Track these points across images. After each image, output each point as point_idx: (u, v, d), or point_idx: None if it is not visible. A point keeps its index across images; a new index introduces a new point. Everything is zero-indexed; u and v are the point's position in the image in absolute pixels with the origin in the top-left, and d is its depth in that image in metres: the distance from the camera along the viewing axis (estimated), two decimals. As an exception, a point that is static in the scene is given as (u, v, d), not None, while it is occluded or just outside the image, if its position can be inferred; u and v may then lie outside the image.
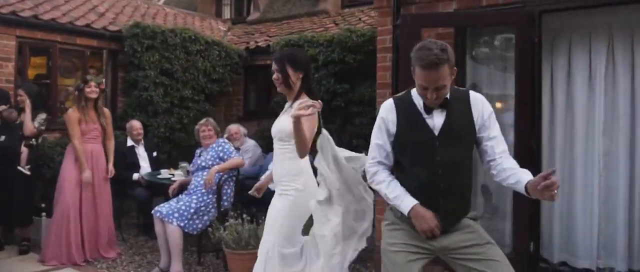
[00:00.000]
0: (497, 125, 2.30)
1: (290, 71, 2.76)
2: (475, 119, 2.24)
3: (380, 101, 4.46)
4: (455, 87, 2.33)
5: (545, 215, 3.87)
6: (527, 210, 3.64)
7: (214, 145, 4.64)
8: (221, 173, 4.44)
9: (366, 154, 2.44)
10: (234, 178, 4.63)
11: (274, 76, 2.80)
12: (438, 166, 2.20)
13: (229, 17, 10.66)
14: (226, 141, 4.77)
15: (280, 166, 2.83)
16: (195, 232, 4.37)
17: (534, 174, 2.08)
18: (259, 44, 7.38)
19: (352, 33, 5.86)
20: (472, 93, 2.33)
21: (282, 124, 2.78)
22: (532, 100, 3.59)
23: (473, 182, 2.66)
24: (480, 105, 2.27)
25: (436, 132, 2.22)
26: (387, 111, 2.32)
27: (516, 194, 3.56)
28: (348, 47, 5.81)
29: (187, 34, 6.54)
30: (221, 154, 4.56)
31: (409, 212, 2.20)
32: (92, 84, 4.55)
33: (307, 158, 2.76)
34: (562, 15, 3.75)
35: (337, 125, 6.06)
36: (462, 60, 4.09)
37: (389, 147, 2.30)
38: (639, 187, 3.65)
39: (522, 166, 2.19)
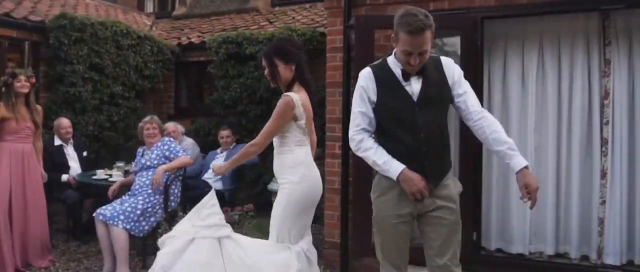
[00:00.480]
0: (466, 83, 2.48)
1: (280, 65, 2.75)
2: (449, 82, 2.41)
3: (330, 99, 4.56)
4: None
5: (485, 207, 4.17)
6: (472, 203, 3.92)
7: (159, 144, 4.48)
8: (168, 173, 4.30)
9: None
10: (180, 178, 4.51)
11: (266, 72, 2.79)
12: (420, 130, 2.34)
13: (152, 11, 10.25)
14: (172, 139, 4.63)
15: (277, 160, 2.83)
16: (141, 235, 4.20)
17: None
18: (192, 40, 7.20)
19: (293, 32, 5.91)
20: (442, 58, 2.50)
21: None
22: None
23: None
24: (451, 68, 2.46)
25: (415, 98, 2.36)
26: (366, 80, 2.41)
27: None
28: (289, 45, 5.85)
29: (119, 27, 6.22)
30: (167, 153, 4.42)
31: (398, 177, 2.31)
32: (22, 77, 4.20)
33: (306, 151, 2.78)
34: (499, 22, 4.07)
35: (277, 124, 6.08)
36: (409, 61, 4.30)
37: (371, 114, 2.40)
38: (564, 178, 4.06)
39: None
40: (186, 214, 4.14)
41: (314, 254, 2.84)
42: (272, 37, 6.00)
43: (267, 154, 5.76)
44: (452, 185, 2.48)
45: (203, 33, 7.56)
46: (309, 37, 5.92)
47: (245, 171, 5.54)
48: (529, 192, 2.27)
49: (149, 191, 4.25)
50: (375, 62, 2.56)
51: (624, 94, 3.84)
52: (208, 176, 5.23)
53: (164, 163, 4.38)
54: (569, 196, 4.05)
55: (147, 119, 4.58)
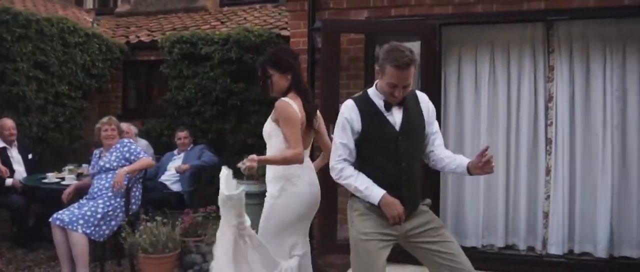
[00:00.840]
0: (436, 122, 2.64)
1: (275, 75, 2.71)
2: (424, 115, 2.56)
3: (293, 101, 4.63)
4: None
5: (442, 204, 4.41)
6: (431, 202, 4.13)
7: (118, 145, 4.36)
8: (130, 175, 4.21)
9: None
10: (140, 180, 4.41)
11: (262, 83, 2.76)
12: (401, 159, 2.46)
13: (92, 7, 9.83)
14: (131, 140, 4.52)
15: (266, 169, 2.79)
16: (101, 239, 4.08)
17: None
18: (141, 38, 7.01)
19: (249, 33, 5.91)
20: (418, 92, 2.64)
21: (266, 126, 2.75)
22: (436, 102, 4.08)
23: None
24: (426, 102, 2.60)
25: (397, 128, 2.47)
26: (350, 112, 2.50)
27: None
28: (245, 46, 5.85)
29: (66, 24, 5.95)
30: (127, 155, 4.31)
31: (379, 201, 2.42)
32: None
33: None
34: (455, 29, 4.32)
35: (231, 125, 6.07)
36: (371, 64, 4.47)
37: (352, 145, 2.49)
38: (513, 175, 4.36)
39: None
40: (148, 216, 4.11)
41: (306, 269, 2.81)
42: (228, 37, 5.98)
43: (226, 153, 5.78)
44: (427, 214, 2.59)
45: (152, 31, 7.38)
46: (266, 38, 5.95)
47: (202, 173, 5.49)
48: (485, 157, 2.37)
49: (110, 194, 4.13)
50: (356, 95, 2.63)
51: (565, 97, 4.19)
52: (165, 178, 5.14)
53: (124, 165, 4.27)
54: (517, 192, 4.36)
55: (105, 120, 4.44)
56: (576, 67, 4.18)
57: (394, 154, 2.46)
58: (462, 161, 2.47)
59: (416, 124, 2.53)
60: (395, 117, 2.49)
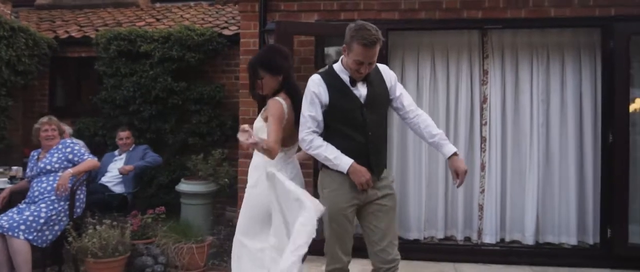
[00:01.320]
0: (400, 86, 2.83)
1: (266, 77, 2.74)
2: (388, 86, 2.75)
3: (244, 101, 4.69)
4: None
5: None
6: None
7: (60, 146, 4.17)
8: (75, 177, 4.04)
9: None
10: (84, 182, 4.24)
11: (252, 83, 2.78)
12: (367, 129, 2.64)
13: (7, -2, 9.12)
14: (74, 141, 4.33)
15: (253, 158, 2.86)
16: (44, 245, 3.88)
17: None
18: (72, 34, 6.66)
19: (192, 31, 5.83)
20: (380, 65, 2.80)
21: (257, 123, 2.80)
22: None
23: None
24: (388, 73, 2.80)
25: (362, 101, 2.65)
26: (317, 86, 2.63)
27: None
28: (188, 45, 5.77)
29: (-11, 16, 5.54)
30: (70, 156, 4.13)
31: (348, 169, 2.58)
32: None
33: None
34: (400, 34, 4.56)
35: (172, 124, 5.95)
36: (322, 65, 4.60)
37: (320, 117, 2.63)
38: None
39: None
40: (94, 219, 3.98)
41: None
42: (169, 35, 5.85)
43: (165, 153, 5.67)
44: (389, 176, 2.82)
45: (82, 27, 7.03)
46: (208, 37, 5.88)
47: (145, 173, 5.35)
48: (458, 175, 2.65)
49: (53, 198, 3.94)
50: (321, 70, 2.78)
51: (498, 99, 4.58)
52: (107, 180, 4.96)
53: (67, 167, 4.09)
54: (455, 187, 4.68)
55: (44, 119, 4.22)
56: (507, 72, 4.58)
57: (360, 125, 2.64)
58: (445, 149, 2.69)
59: (381, 96, 2.72)
60: (361, 91, 2.66)
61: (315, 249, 3.85)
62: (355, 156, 2.62)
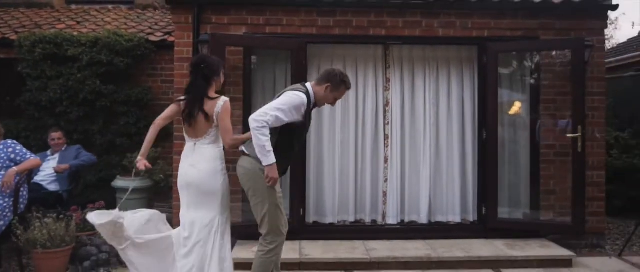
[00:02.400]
0: None
1: (219, 80, 3.42)
2: None
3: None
4: None
5: (307, 188, 5.34)
6: (300, 186, 5.05)
7: (1, 146, 4.40)
8: (19, 175, 4.29)
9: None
10: (26, 180, 4.48)
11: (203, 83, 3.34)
12: (301, 144, 3.37)
13: None
14: (15, 141, 4.54)
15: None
16: (-10, 240, 4.12)
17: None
18: (-11, 35, 6.63)
19: (120, 37, 6.12)
20: None
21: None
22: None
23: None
24: None
25: (310, 122, 3.44)
26: (305, 104, 3.27)
27: (293, 174, 4.95)
28: (116, 50, 6.06)
29: None
30: (12, 156, 4.38)
31: (269, 164, 3.16)
32: None
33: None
34: (317, 47, 5.29)
35: (100, 125, 6.21)
36: (249, 72, 5.22)
37: (283, 123, 3.20)
38: (361, 164, 5.49)
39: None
40: (33, 215, 4.26)
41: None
42: (97, 40, 6.09)
43: (102, 153, 5.94)
44: None
45: (-2, 28, 6.98)
46: (137, 43, 6.21)
47: (81, 172, 5.59)
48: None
49: (-3, 195, 4.18)
50: (303, 92, 3.33)
51: (398, 102, 5.46)
52: (41, 179, 5.14)
53: (9, 166, 4.33)
54: (364, 177, 5.51)
55: (-15, 122, 4.41)
56: (405, 80, 5.48)
57: (301, 141, 3.41)
58: None
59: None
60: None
61: (247, 233, 4.55)
62: (286, 161, 3.36)
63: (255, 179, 3.27)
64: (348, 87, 3.43)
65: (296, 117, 3.25)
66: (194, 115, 3.29)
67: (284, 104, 3.21)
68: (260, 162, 3.18)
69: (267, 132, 3.14)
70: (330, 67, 5.32)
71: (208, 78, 3.34)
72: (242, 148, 3.38)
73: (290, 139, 3.32)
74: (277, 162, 3.18)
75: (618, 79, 8.65)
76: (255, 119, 3.13)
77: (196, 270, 3.26)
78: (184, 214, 3.38)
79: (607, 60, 10.52)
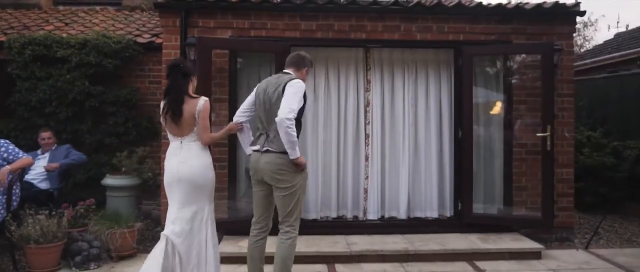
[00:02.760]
0: None
1: (194, 80, 3.60)
2: None
3: (166, 104, 5.29)
4: None
5: (291, 186, 5.54)
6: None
7: (-7, 146, 4.55)
8: (12, 173, 4.45)
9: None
10: (19, 178, 4.63)
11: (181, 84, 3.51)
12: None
13: None
14: (7, 141, 4.69)
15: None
16: (-17, 235, 4.27)
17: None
18: (-23, 36, 6.73)
19: (108, 39, 6.28)
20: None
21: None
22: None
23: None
24: None
25: None
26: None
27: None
28: (105, 52, 6.21)
29: None
30: (5, 155, 4.53)
31: (297, 157, 3.44)
32: None
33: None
34: (300, 49, 5.47)
35: (89, 125, 6.36)
36: (234, 74, 5.41)
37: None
38: (342, 162, 5.71)
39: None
40: (26, 212, 4.42)
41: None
42: (85, 41, 6.24)
43: (91, 152, 6.09)
44: None
45: (-15, 29, 7.09)
46: (125, 44, 6.37)
47: (70, 171, 5.74)
48: None
49: (-9, 192, 4.33)
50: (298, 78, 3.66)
51: (378, 103, 5.69)
52: (32, 177, 5.29)
53: (1, 165, 4.48)
54: (345, 175, 5.73)
55: (-22, 122, 4.55)
56: (385, 82, 5.71)
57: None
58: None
59: None
60: None
61: (232, 228, 4.77)
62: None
63: (290, 172, 3.50)
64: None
65: (303, 102, 3.52)
66: (178, 114, 3.46)
67: (298, 94, 3.47)
68: (288, 156, 3.43)
69: (295, 127, 3.40)
70: (312, 69, 5.63)
71: (186, 77, 3.54)
72: (266, 146, 3.55)
73: (299, 123, 3.56)
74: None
75: (592, 80, 8.98)
76: (286, 117, 3.33)
77: (195, 256, 3.45)
78: (174, 211, 3.51)
79: (583, 62, 10.99)
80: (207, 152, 3.59)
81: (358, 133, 5.73)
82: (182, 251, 3.41)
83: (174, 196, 3.55)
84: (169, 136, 3.61)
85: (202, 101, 3.51)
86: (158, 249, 3.39)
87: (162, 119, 3.57)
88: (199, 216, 3.51)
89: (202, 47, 4.87)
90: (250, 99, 3.79)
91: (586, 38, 22.08)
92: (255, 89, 3.78)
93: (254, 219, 3.77)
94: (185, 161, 3.50)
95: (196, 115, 3.47)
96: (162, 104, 3.58)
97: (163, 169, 5.12)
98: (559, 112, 5.49)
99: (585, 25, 21.99)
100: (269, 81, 3.71)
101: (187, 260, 3.43)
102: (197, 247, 3.47)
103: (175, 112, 3.46)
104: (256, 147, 3.64)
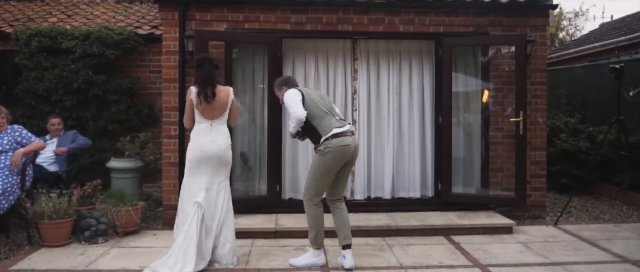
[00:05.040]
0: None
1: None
2: None
3: (167, 92, 5.68)
4: None
5: (283, 168, 5.96)
6: (276, 165, 5.67)
7: (9, 130, 4.95)
8: (26, 155, 4.84)
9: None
10: (32, 160, 5.03)
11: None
12: None
13: None
14: (21, 126, 5.08)
15: None
16: (1, 212, 4.66)
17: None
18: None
19: (111, 31, 6.64)
20: None
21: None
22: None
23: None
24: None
25: None
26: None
27: (270, 154, 5.57)
28: (108, 43, 6.57)
29: None
30: (19, 139, 4.93)
31: None
32: None
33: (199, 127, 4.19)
34: (291, 41, 5.89)
35: (92, 113, 6.73)
36: (230, 64, 5.80)
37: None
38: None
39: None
40: (38, 191, 4.81)
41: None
42: (89, 33, 6.60)
43: (95, 138, 6.47)
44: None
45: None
46: (126, 36, 6.73)
47: (78, 154, 6.13)
48: None
49: (7, 172, 4.72)
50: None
51: (364, 91, 6.09)
52: (41, 161, 5.67)
53: (16, 148, 4.88)
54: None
55: (-5, 110, 4.95)
56: (371, 71, 6.11)
57: None
58: None
59: None
60: None
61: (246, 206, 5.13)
62: None
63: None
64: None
65: None
66: (213, 97, 4.05)
67: (296, 98, 4.16)
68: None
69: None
70: (303, 59, 6.03)
71: (215, 68, 4.22)
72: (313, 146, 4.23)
73: None
74: None
75: (571, 69, 9.40)
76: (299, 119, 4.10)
77: (217, 221, 4.11)
78: (204, 183, 4.10)
79: (566, 52, 11.39)
80: (229, 134, 4.22)
81: (346, 119, 6.10)
82: (207, 217, 4.05)
83: (203, 170, 4.10)
84: (199, 118, 4.14)
85: (231, 90, 4.17)
86: (195, 217, 3.98)
87: (196, 103, 4.08)
88: (222, 185, 4.15)
89: (199, 39, 5.25)
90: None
91: (577, 28, 22.51)
92: (306, 95, 4.19)
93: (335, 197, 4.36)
94: (215, 140, 4.10)
95: (229, 102, 4.07)
96: (194, 90, 4.08)
97: (167, 153, 5.54)
98: (532, 99, 5.90)
99: (576, 14, 22.41)
100: (314, 91, 4.60)
101: (209, 226, 4.08)
102: (219, 212, 4.10)
103: (210, 96, 4.03)
104: (347, 129, 4.15)
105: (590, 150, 7.32)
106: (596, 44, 10.57)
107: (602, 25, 13.58)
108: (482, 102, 6.19)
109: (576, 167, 7.30)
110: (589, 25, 16.24)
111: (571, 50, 11.37)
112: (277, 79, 4.54)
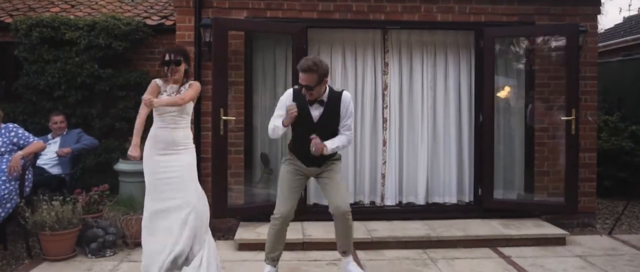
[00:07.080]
0: (351, 117, 3.59)
1: (184, 66, 3.47)
2: (341, 113, 3.52)
3: (181, 87, 5.14)
4: (333, 88, 3.56)
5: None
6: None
7: (3, 130, 4.42)
8: (25, 158, 4.32)
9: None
10: (32, 163, 4.51)
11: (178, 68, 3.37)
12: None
13: None
14: (16, 125, 4.55)
15: (179, 132, 3.56)
16: (-3, 222, 4.16)
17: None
18: (-18, 18, 6.55)
19: (118, 21, 6.11)
20: (344, 93, 3.58)
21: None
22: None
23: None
24: (346, 103, 3.54)
25: (314, 121, 3.46)
26: (287, 97, 3.48)
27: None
28: (115, 34, 6.05)
29: None
30: (15, 140, 4.41)
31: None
32: None
33: None
34: (317, 31, 5.34)
35: (98, 110, 6.21)
36: (250, 56, 5.27)
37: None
38: (359, 147, 5.57)
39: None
40: (40, 198, 4.30)
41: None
42: (94, 23, 6.07)
43: (101, 137, 5.95)
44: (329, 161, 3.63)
45: (-10, 11, 6.90)
46: (134, 26, 6.20)
47: (83, 155, 5.61)
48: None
49: (3, 178, 4.20)
50: (296, 86, 3.50)
51: (396, 86, 5.55)
52: (43, 162, 5.15)
53: (13, 150, 4.35)
54: (363, 159, 5.61)
55: (-13, 107, 4.42)
56: (403, 64, 5.57)
57: (306, 137, 3.39)
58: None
59: (330, 120, 3.50)
60: (315, 112, 3.46)
61: (250, 215, 4.63)
62: (300, 151, 3.52)
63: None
64: (299, 68, 3.36)
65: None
66: None
67: (279, 102, 3.64)
68: None
69: (272, 125, 3.60)
70: (328, 52, 5.49)
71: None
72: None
73: (295, 132, 3.63)
74: None
75: (606, 63, 8.82)
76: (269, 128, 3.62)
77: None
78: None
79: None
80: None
81: (375, 117, 5.59)
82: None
83: None
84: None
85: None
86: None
87: None
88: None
89: (218, 28, 4.72)
90: None
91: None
92: None
93: None
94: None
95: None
96: None
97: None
98: (582, 96, 5.35)
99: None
100: None
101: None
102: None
103: None
104: None
105: (634, 150, 6.79)
106: (628, 38, 9.99)
107: (629, 19, 12.99)
108: (525, 99, 5.64)
109: (619, 169, 6.77)
110: (604, 20, 15.73)
111: (600, 45, 10.77)
112: (322, 63, 3.41)
